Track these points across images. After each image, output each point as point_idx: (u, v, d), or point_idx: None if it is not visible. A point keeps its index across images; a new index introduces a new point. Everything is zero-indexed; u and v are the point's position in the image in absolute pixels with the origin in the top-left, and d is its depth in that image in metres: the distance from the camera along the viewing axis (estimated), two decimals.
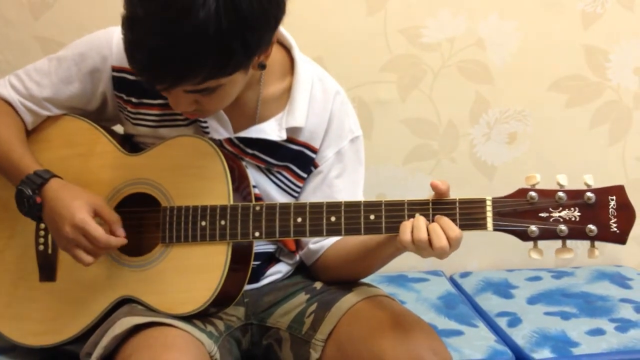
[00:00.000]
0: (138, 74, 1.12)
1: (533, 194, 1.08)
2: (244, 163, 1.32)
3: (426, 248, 1.08)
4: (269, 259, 1.42)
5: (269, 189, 1.35)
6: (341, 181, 1.37)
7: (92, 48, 1.31)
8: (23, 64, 1.39)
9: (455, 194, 1.12)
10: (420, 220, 1.10)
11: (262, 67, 1.21)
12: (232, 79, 1.13)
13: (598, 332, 1.62)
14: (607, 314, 1.72)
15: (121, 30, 1.09)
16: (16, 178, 1.27)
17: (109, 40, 1.30)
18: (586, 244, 1.08)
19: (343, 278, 1.36)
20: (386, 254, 1.25)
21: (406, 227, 1.10)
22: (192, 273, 1.23)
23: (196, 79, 1.08)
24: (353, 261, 1.32)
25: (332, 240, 1.36)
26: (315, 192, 1.37)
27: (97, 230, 1.20)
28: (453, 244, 1.08)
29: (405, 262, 1.57)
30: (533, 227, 1.07)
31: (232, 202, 1.22)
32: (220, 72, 1.10)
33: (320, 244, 1.36)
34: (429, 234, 1.08)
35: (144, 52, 1.06)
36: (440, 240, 1.07)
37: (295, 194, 1.37)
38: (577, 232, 1.06)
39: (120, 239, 1.23)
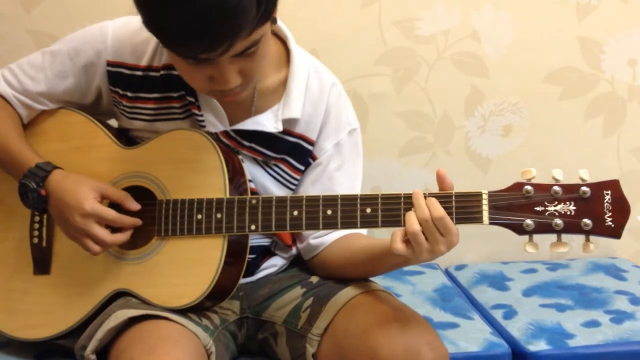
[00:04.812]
0: (187, 47, 1.06)
1: (529, 187, 1.07)
2: (240, 157, 1.31)
3: (422, 242, 1.07)
4: (264, 253, 1.42)
5: (266, 182, 1.35)
6: (341, 174, 1.37)
7: (86, 42, 1.31)
8: (15, 57, 1.38)
9: None
10: (410, 214, 1.09)
11: (275, 21, 1.16)
12: (265, 30, 1.11)
13: (593, 323, 1.62)
14: (602, 305, 1.72)
15: (144, 11, 1.05)
16: (16, 170, 1.27)
17: (103, 34, 1.29)
18: (581, 237, 1.08)
19: (342, 276, 1.35)
20: (392, 263, 1.24)
21: (396, 234, 1.10)
22: (187, 266, 1.23)
23: (246, 29, 1.04)
24: (355, 264, 1.31)
25: (332, 237, 1.35)
26: (315, 184, 1.37)
27: (109, 213, 1.21)
28: (439, 224, 1.06)
29: None
30: (528, 221, 1.07)
31: (228, 195, 1.22)
32: (264, 14, 1.06)
33: (321, 240, 1.36)
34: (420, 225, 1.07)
35: (188, 16, 1.01)
36: (434, 235, 1.06)
37: (293, 187, 1.37)
38: (572, 226, 1.06)
39: (135, 219, 1.24)
